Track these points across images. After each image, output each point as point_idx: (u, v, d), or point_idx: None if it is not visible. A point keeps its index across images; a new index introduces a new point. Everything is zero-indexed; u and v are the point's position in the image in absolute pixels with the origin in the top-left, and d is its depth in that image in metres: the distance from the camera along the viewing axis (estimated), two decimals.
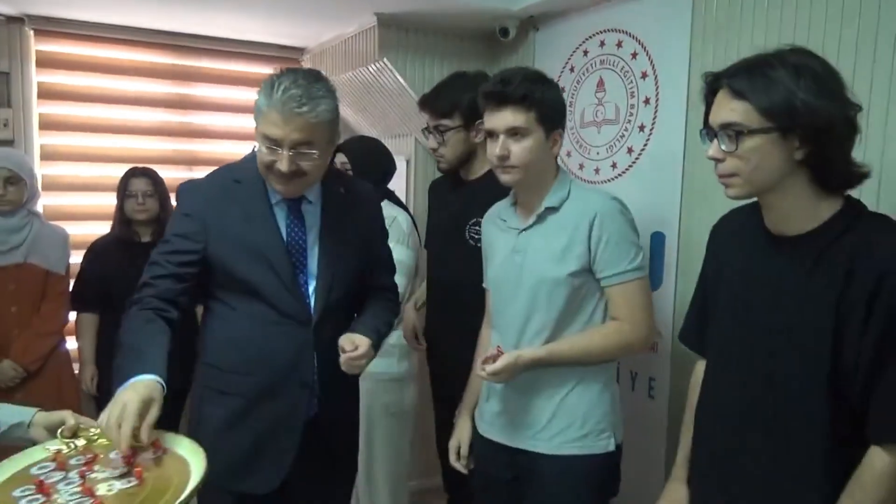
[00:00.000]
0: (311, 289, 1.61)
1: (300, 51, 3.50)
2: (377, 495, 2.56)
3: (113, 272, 2.62)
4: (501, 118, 1.60)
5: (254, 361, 1.59)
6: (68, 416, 1.35)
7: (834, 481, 1.18)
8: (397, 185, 3.08)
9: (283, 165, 1.47)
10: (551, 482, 1.65)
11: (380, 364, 2.35)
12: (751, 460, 1.27)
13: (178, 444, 1.26)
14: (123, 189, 2.71)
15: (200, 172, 3.28)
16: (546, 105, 1.60)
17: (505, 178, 1.64)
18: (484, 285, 1.85)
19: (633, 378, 2.31)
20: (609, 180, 2.37)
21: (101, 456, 1.25)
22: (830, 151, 1.17)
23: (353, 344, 1.55)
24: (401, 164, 3.18)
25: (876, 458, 1.15)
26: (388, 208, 2.37)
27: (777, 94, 1.13)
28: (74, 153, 3.15)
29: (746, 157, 1.17)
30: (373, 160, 2.48)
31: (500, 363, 1.56)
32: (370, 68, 2.87)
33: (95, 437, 1.31)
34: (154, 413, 1.25)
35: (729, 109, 1.18)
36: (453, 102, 2.10)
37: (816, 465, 1.20)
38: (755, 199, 1.27)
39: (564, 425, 1.65)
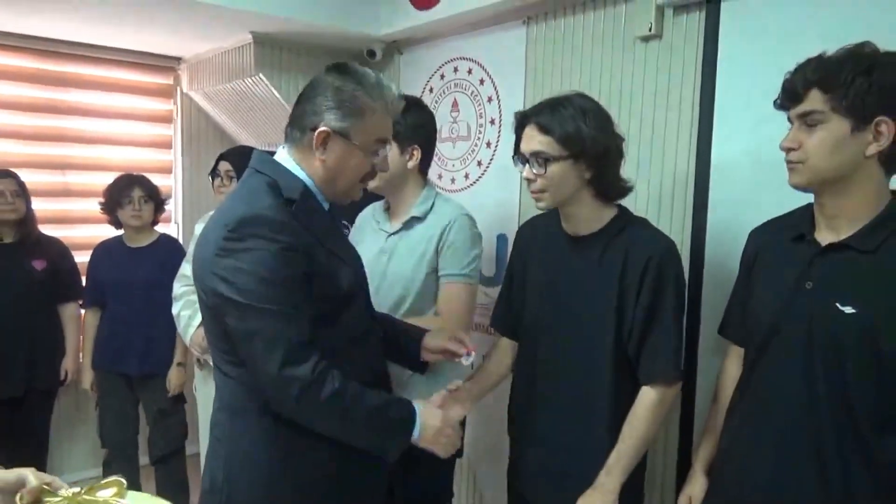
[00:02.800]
0: None
1: (176, 60, 3.60)
2: None
3: None
4: None
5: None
6: (29, 476, 1.12)
7: (617, 414, 1.56)
8: None
9: (387, 162, 1.46)
10: None
11: None
12: (560, 402, 1.62)
13: None
14: None
15: (73, 177, 3.35)
16: (400, 124, 1.81)
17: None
18: None
19: None
20: (463, 189, 2.71)
21: None
22: (608, 172, 1.55)
23: (455, 338, 1.59)
24: None
25: (645, 396, 1.54)
26: None
27: (572, 130, 1.48)
28: None
29: (552, 177, 1.51)
30: None
31: None
32: (246, 81, 3.06)
33: (65, 502, 1.12)
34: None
35: (537, 141, 1.50)
36: None
37: (604, 403, 1.56)
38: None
39: None
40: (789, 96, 1.24)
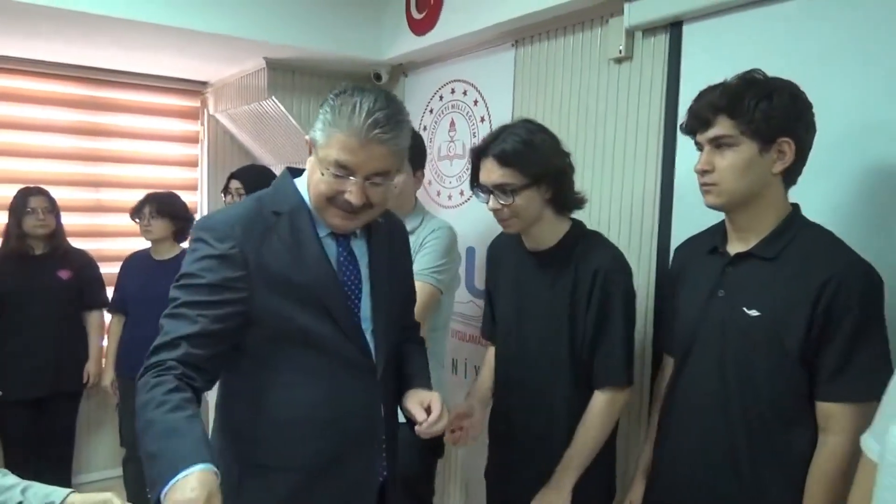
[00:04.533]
0: (367, 334, 1.40)
1: (203, 84, 3.84)
2: None
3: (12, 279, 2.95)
4: None
5: (318, 426, 1.34)
6: (114, 500, 1.16)
7: (572, 418, 1.65)
8: None
9: (354, 196, 1.27)
10: None
11: None
12: (524, 405, 1.72)
13: None
14: (22, 206, 2.97)
15: (106, 194, 3.60)
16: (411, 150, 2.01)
17: None
18: None
19: (456, 364, 2.74)
20: (458, 205, 2.82)
21: None
22: (564, 189, 1.65)
23: (424, 407, 1.38)
24: None
25: (596, 400, 1.64)
26: None
27: (531, 158, 1.58)
28: None
29: (519, 205, 1.61)
30: (266, 184, 2.82)
31: None
32: (262, 104, 3.26)
33: None
34: None
35: (499, 174, 1.60)
36: None
37: (561, 407, 1.67)
38: None
39: None
40: (699, 122, 1.33)
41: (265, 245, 1.29)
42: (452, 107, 2.86)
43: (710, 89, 1.34)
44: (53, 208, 3.02)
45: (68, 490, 1.18)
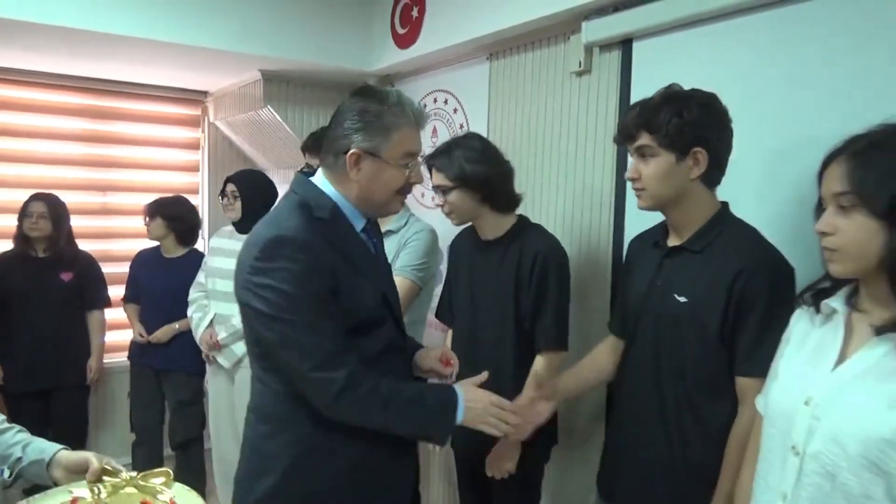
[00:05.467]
0: None
1: (203, 93, 4.07)
2: None
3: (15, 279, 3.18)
4: None
5: None
6: (92, 459, 1.28)
7: (518, 378, 1.91)
8: None
9: (419, 176, 1.46)
10: None
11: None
12: (478, 369, 1.90)
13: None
14: (23, 211, 3.18)
15: (113, 198, 3.83)
16: None
17: None
18: None
19: None
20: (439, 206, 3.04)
21: None
22: (496, 192, 1.96)
23: (445, 357, 1.61)
24: None
25: (538, 361, 1.91)
26: None
27: (456, 167, 1.92)
28: None
29: (452, 202, 1.96)
30: (259, 188, 3.02)
31: None
32: (258, 113, 3.48)
33: (123, 484, 1.27)
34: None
35: (436, 178, 1.95)
36: None
37: (508, 370, 1.94)
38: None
39: None
40: (625, 136, 1.55)
41: (331, 250, 1.37)
42: (435, 115, 3.08)
43: (635, 106, 1.54)
44: (52, 214, 3.18)
45: (59, 447, 1.32)
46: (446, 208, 1.99)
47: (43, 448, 1.32)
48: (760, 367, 1.37)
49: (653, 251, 1.63)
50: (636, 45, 2.12)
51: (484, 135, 2.75)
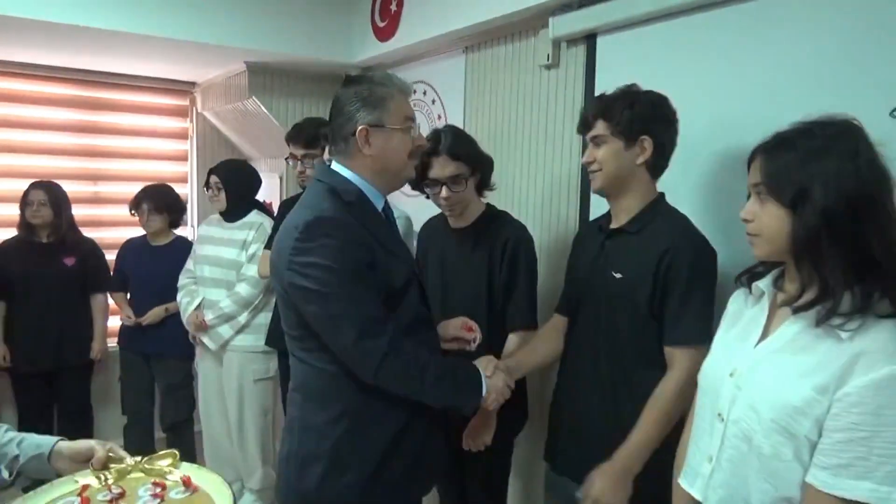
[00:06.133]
0: None
1: (191, 84, 4.15)
2: (248, 447, 3.17)
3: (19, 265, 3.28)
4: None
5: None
6: (96, 447, 1.28)
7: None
8: (272, 195, 3.79)
9: (422, 138, 1.64)
10: None
11: (248, 339, 3.03)
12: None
13: (208, 483, 1.29)
14: (24, 199, 3.29)
15: (103, 187, 3.91)
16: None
17: None
18: None
19: None
20: (417, 195, 3.13)
21: (129, 493, 1.22)
22: (483, 179, 2.05)
23: (465, 325, 1.79)
24: (274, 180, 3.89)
25: (510, 340, 2.02)
26: (257, 216, 3.06)
27: (468, 149, 2.00)
28: None
29: (466, 191, 2.02)
30: (241, 177, 3.11)
31: None
32: (244, 103, 3.57)
33: (129, 469, 1.27)
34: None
35: (454, 166, 1.97)
36: (317, 136, 2.72)
37: (481, 351, 1.95)
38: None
39: None
40: (583, 124, 1.70)
41: (364, 230, 1.47)
42: (415, 105, 3.14)
43: (595, 98, 1.70)
44: (53, 201, 3.30)
45: (56, 438, 1.30)
46: (455, 198, 2.00)
47: (39, 442, 1.30)
48: (684, 336, 1.53)
49: (598, 235, 1.77)
50: (600, 41, 2.22)
51: (460, 125, 2.87)
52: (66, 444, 1.29)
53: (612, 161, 1.63)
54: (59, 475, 1.27)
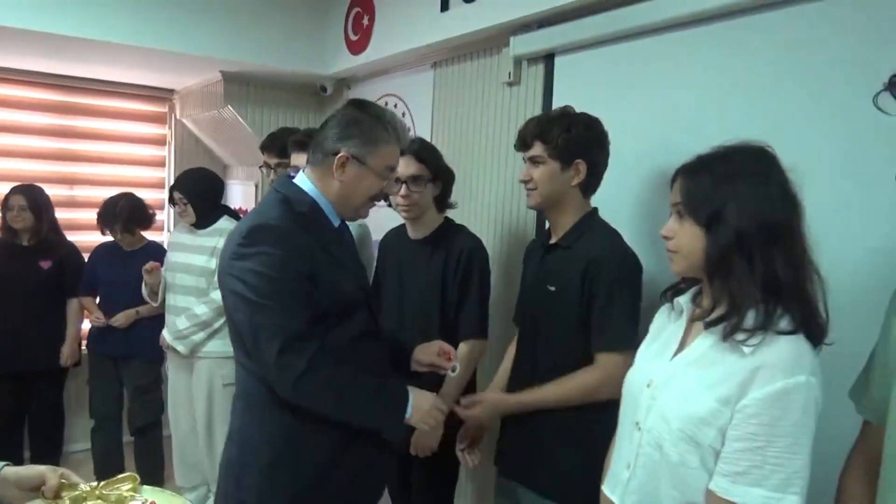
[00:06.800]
0: None
1: (170, 91, 4.20)
2: (216, 451, 3.15)
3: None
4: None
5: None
6: (49, 473, 1.15)
7: None
8: (248, 203, 3.83)
9: (391, 188, 1.67)
10: None
11: (218, 344, 3.06)
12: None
13: None
14: (4, 203, 3.33)
15: (80, 191, 3.95)
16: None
17: None
18: None
19: None
20: (382, 206, 3.20)
21: None
22: (448, 192, 2.11)
23: (443, 349, 1.71)
24: (250, 188, 3.94)
25: (461, 348, 2.06)
26: (226, 222, 3.09)
27: (433, 157, 2.07)
28: None
29: (422, 194, 2.08)
30: (204, 187, 3.04)
31: None
32: (220, 112, 3.62)
33: (85, 496, 1.17)
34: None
35: (416, 167, 2.06)
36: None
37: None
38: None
39: None
40: (522, 144, 1.77)
41: (309, 240, 1.47)
42: None
43: (532, 120, 1.77)
44: (33, 205, 3.32)
45: (2, 463, 1.17)
46: (414, 198, 2.07)
47: None
48: (607, 342, 1.62)
49: (540, 250, 1.86)
50: (558, 60, 2.30)
51: (428, 137, 2.94)
52: (12, 471, 1.15)
53: (547, 182, 1.72)
54: None
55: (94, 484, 1.18)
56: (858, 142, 1.48)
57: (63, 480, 1.15)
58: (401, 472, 2.27)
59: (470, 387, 2.15)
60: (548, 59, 2.33)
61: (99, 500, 1.17)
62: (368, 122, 1.51)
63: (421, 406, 1.52)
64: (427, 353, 1.72)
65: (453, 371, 1.72)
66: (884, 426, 1.11)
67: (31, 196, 3.35)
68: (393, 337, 1.78)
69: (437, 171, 2.11)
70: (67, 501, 1.14)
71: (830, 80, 1.53)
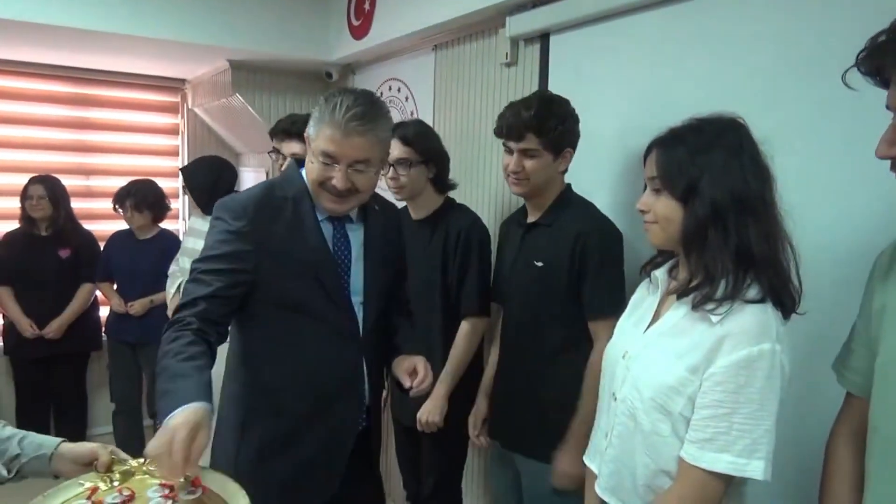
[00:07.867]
0: (355, 305, 1.60)
1: (182, 81, 4.26)
2: None
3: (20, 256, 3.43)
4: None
5: (307, 380, 1.55)
6: (100, 450, 1.26)
7: (445, 346, 2.13)
8: None
9: (339, 182, 1.46)
10: None
11: None
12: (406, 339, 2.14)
13: (218, 484, 1.21)
14: (24, 193, 3.44)
15: (96, 181, 4.04)
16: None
17: None
18: None
19: None
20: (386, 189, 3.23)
21: (138, 495, 1.19)
22: (444, 173, 2.13)
23: (412, 369, 1.58)
24: (261, 174, 4.00)
25: (461, 326, 2.11)
26: None
27: (425, 141, 2.09)
28: None
29: (411, 177, 2.11)
30: (203, 175, 3.03)
31: None
32: (229, 100, 3.67)
33: (133, 471, 1.25)
34: (202, 439, 1.15)
35: (400, 150, 2.09)
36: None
37: (437, 335, 2.14)
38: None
39: None
40: (513, 134, 1.77)
41: (272, 224, 1.50)
42: (390, 102, 3.26)
43: (518, 108, 1.77)
44: (51, 194, 3.44)
45: (59, 440, 1.27)
46: (401, 181, 2.12)
47: (41, 442, 1.27)
48: (601, 308, 1.66)
49: (517, 229, 1.89)
50: (553, 39, 2.29)
51: (430, 119, 2.96)
52: (68, 447, 1.27)
53: (541, 172, 1.76)
54: (56, 477, 1.25)
55: (141, 460, 1.26)
56: (831, 115, 1.46)
57: (113, 456, 1.26)
58: (411, 451, 2.32)
59: (475, 364, 2.17)
60: (543, 38, 2.33)
61: (145, 475, 1.25)
62: (322, 106, 1.48)
63: (175, 421, 1.18)
64: (399, 366, 1.64)
65: (411, 392, 1.58)
66: (867, 398, 1.11)
67: (49, 186, 3.47)
68: (392, 337, 1.75)
69: (427, 154, 2.13)
70: (118, 475, 1.23)
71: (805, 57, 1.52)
